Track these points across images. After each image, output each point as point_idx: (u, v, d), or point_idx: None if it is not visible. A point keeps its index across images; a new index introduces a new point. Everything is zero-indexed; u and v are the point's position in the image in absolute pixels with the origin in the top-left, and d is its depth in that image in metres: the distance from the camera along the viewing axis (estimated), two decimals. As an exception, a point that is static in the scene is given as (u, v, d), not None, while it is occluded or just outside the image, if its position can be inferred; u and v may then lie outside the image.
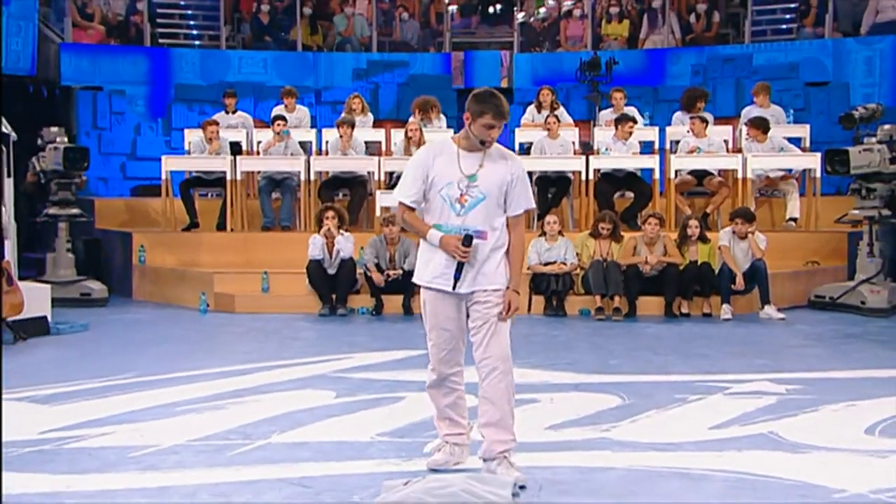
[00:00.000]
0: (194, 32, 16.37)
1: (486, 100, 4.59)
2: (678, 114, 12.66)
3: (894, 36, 14.30)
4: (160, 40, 15.75)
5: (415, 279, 4.85)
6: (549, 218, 10.37)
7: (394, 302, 10.07)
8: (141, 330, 9.32)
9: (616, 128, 11.73)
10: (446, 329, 4.76)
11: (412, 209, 4.69)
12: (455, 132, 13.26)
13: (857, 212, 10.21)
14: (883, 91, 14.19)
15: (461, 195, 4.60)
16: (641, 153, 11.79)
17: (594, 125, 12.90)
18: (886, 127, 10.12)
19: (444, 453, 4.84)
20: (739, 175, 11.37)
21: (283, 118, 12.07)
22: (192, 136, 12.34)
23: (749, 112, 12.34)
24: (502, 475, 4.48)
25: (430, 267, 4.71)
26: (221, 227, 11.75)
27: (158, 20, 15.92)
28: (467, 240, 4.54)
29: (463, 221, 4.60)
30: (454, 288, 4.63)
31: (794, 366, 7.33)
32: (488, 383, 4.64)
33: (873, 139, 10.04)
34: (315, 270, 10.04)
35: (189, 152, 12.26)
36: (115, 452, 5.11)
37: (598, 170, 11.51)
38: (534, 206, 4.80)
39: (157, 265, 11.44)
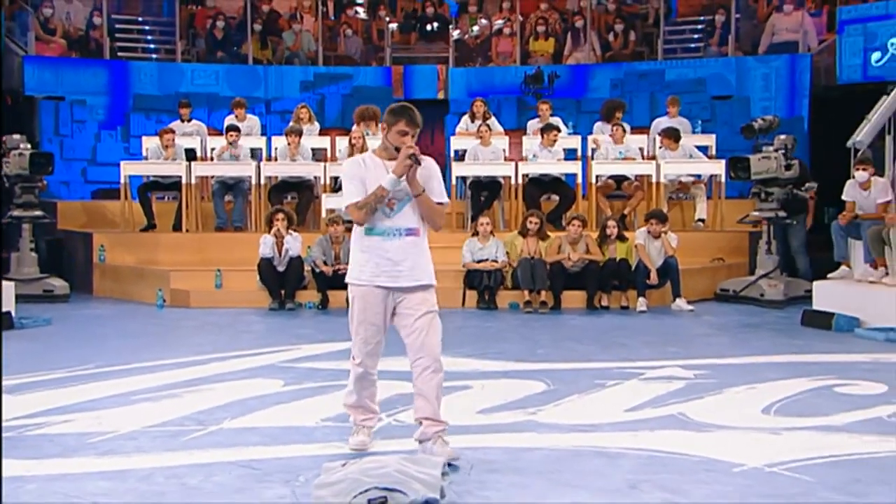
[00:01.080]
0: (151, 46, 16.11)
1: (399, 111, 4.65)
2: (598, 123, 12.78)
3: (788, 55, 14.58)
4: (119, 53, 15.47)
5: (348, 279, 4.82)
6: (482, 219, 10.41)
7: (338, 297, 9.95)
8: (101, 324, 9.17)
9: (542, 136, 11.81)
10: (374, 324, 4.77)
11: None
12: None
13: (756, 213, 10.38)
14: (779, 104, 14.44)
15: (389, 200, 4.62)
16: (565, 159, 11.88)
17: (524, 134, 12.96)
18: (782, 137, 10.31)
19: (363, 435, 4.86)
20: (654, 180, 11.53)
21: (236, 128, 11.95)
22: (150, 143, 12.17)
23: (659, 123, 12.51)
24: (437, 454, 4.50)
25: (367, 267, 4.69)
26: (177, 227, 11.60)
27: (117, 34, 15.63)
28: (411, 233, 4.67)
29: (393, 223, 4.65)
30: (419, 163, 4.53)
31: (702, 353, 7.46)
32: (423, 381, 4.71)
33: (771, 148, 10.21)
34: (265, 268, 9.97)
35: (146, 158, 12.08)
36: (75, 438, 5.03)
37: (527, 175, 11.58)
38: (447, 200, 4.87)
39: (116, 263, 11.25)
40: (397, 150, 4.61)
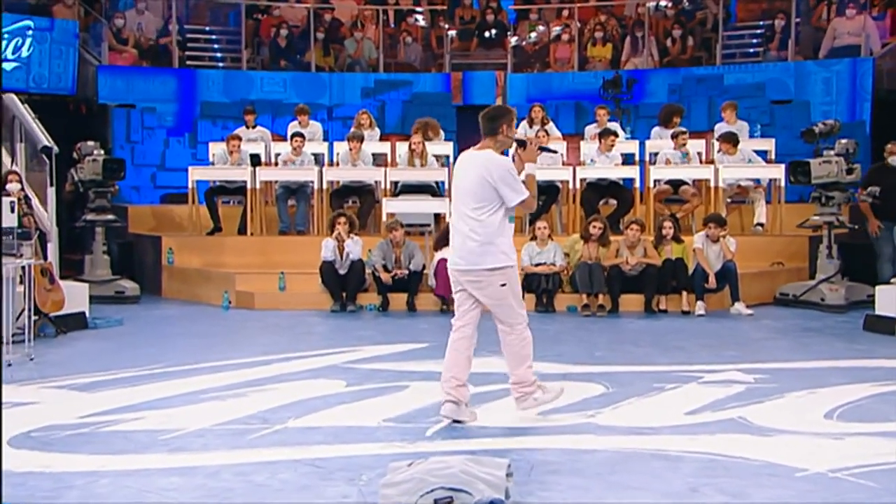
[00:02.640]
0: (218, 55, 16.35)
1: (498, 115, 5.51)
2: (657, 128, 12.65)
3: (850, 59, 14.26)
4: (187, 62, 15.74)
5: (503, 263, 5.29)
6: (540, 223, 10.35)
7: (399, 300, 10.07)
8: (169, 325, 9.32)
9: (600, 141, 11.72)
10: None
11: None
12: (454, 146, 13.40)
13: (817, 218, 10.17)
14: (840, 109, 14.14)
15: None
16: (623, 164, 11.78)
17: (581, 139, 12.89)
18: (843, 141, 10.10)
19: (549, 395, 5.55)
20: (712, 184, 11.37)
21: (301, 135, 12.08)
22: (216, 149, 12.34)
23: (720, 128, 12.33)
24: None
25: (511, 249, 5.35)
26: (242, 231, 11.75)
27: (186, 44, 15.91)
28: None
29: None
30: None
31: (761, 357, 7.32)
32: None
33: (832, 152, 10.01)
34: (327, 271, 10.04)
35: (213, 163, 12.26)
36: (147, 435, 5.11)
37: (584, 179, 11.50)
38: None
39: (184, 266, 11.43)
40: (518, 142, 5.58)
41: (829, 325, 8.93)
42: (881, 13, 14.63)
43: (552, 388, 5.57)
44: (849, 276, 10.30)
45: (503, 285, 5.29)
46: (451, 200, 5.81)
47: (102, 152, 10.90)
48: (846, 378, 6.47)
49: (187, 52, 15.83)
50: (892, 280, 9.29)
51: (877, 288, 9.12)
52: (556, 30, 16.68)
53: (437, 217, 11.31)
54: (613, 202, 11.65)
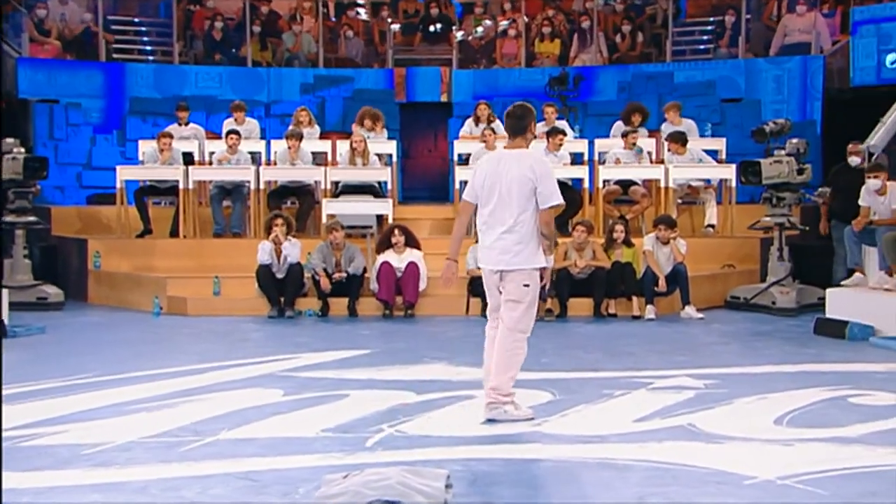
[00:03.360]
0: (148, 48, 16.14)
1: (525, 113, 5.71)
2: (618, 123, 12.71)
3: (801, 56, 14.55)
4: (115, 55, 15.51)
5: (538, 264, 5.58)
6: (485, 225, 10.39)
7: (339, 304, 10.04)
8: (95, 333, 9.17)
9: (548, 140, 11.79)
10: None
11: None
12: (398, 145, 13.38)
13: (768, 219, 10.36)
14: (791, 107, 14.42)
15: None
16: (571, 164, 11.87)
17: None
18: (794, 141, 10.26)
19: (521, 411, 5.64)
20: (662, 185, 11.51)
21: (236, 132, 11.97)
22: (146, 147, 12.18)
23: (666, 128, 12.51)
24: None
25: (541, 252, 5.62)
26: (174, 233, 11.61)
27: (113, 36, 15.67)
28: None
29: None
30: None
31: (712, 362, 7.44)
32: None
33: (782, 152, 10.19)
34: (264, 275, 9.98)
35: (143, 162, 12.09)
36: (69, 450, 5.02)
37: (531, 179, 11.53)
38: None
39: (111, 270, 11.26)
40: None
41: (780, 329, 9.09)
42: (831, 10, 14.96)
43: (525, 411, 5.65)
44: (800, 278, 10.52)
45: (526, 285, 5.56)
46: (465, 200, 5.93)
47: (23, 150, 10.66)
48: (796, 383, 6.59)
49: (115, 45, 15.59)
50: (843, 283, 9.52)
51: (828, 291, 9.33)
52: (502, 24, 16.78)
53: (380, 218, 11.30)
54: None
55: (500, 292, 5.65)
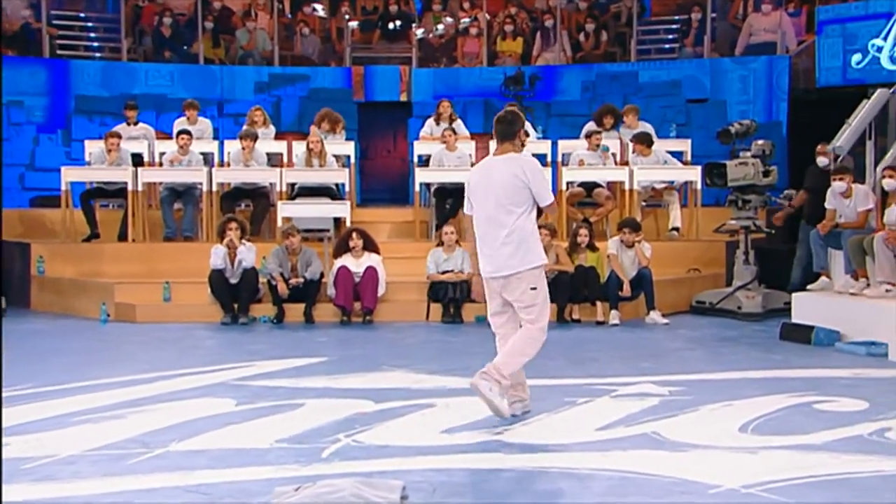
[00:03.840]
0: (95, 45, 15.98)
1: (515, 119, 5.96)
2: (590, 124, 12.76)
3: (766, 56, 14.76)
4: (59, 52, 15.33)
5: (540, 262, 5.84)
6: (447, 228, 10.43)
7: (295, 310, 10.00)
8: (39, 341, 9.05)
9: None
10: None
11: None
12: (356, 146, 13.35)
13: (733, 222, 10.46)
14: (757, 108, 14.62)
15: None
16: (534, 166, 11.89)
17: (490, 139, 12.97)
18: (760, 142, 10.39)
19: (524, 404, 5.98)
20: (627, 187, 11.60)
21: (188, 132, 11.89)
22: (93, 148, 12.06)
23: (623, 133, 12.60)
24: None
25: (542, 250, 5.93)
26: (123, 237, 11.50)
27: (58, 32, 15.49)
28: None
29: None
30: None
31: (676, 368, 7.51)
32: None
33: (748, 153, 10.31)
34: (217, 280, 9.92)
35: (90, 163, 11.97)
36: (9, 464, 4.93)
37: (493, 181, 11.56)
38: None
39: (56, 276, 11.13)
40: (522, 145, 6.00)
41: (746, 335, 9.20)
42: (797, 9, 15.20)
43: (504, 406, 5.76)
44: (766, 282, 10.64)
45: (533, 289, 5.81)
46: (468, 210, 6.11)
47: (-38, 150, 10.52)
48: (762, 389, 6.67)
49: (59, 41, 15.41)
50: (809, 287, 9.65)
51: (793, 295, 9.46)
52: (463, 22, 16.82)
53: (338, 222, 11.28)
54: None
55: (502, 297, 5.91)
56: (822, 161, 10.59)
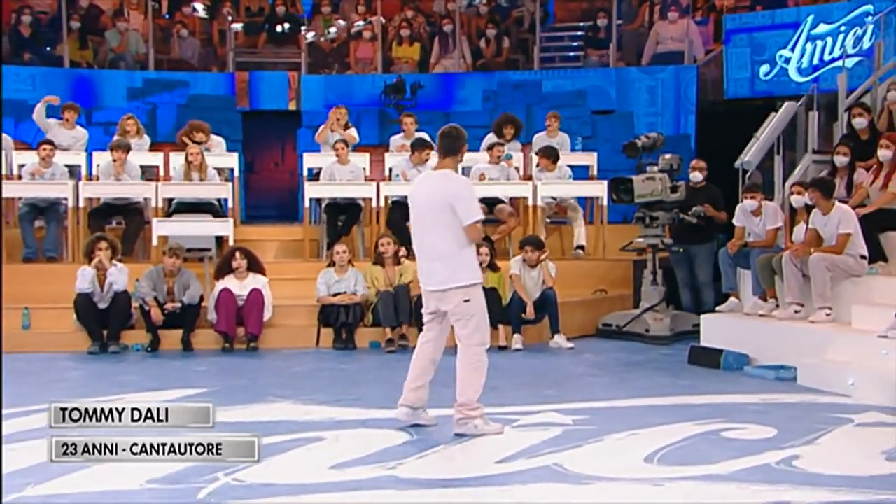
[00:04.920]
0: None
1: (461, 134, 6.37)
2: (490, 135, 12.90)
3: (674, 66, 15.15)
4: None
5: (472, 280, 6.27)
6: (339, 247, 10.38)
7: (171, 337, 9.85)
8: None
9: (413, 153, 11.65)
10: None
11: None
12: (240, 157, 13.22)
13: (640, 240, 10.66)
14: (665, 120, 14.98)
15: None
16: (432, 180, 11.91)
17: (387, 151, 13.01)
18: (667, 156, 10.63)
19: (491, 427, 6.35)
20: (530, 203, 11.73)
21: (50, 142, 11.58)
22: (-61, 159, 11.69)
23: (539, 140, 12.78)
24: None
25: (476, 267, 6.41)
26: (-25, 258, 11.15)
27: None
28: None
29: None
30: None
31: (581, 395, 7.62)
32: None
33: (655, 168, 10.52)
34: (84, 305, 9.71)
35: (-63, 177, 11.59)
36: None
37: (389, 197, 11.61)
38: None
39: None
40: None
41: (654, 359, 9.40)
42: (704, 17, 15.67)
43: (494, 426, 6.33)
44: (674, 303, 10.90)
45: (467, 301, 6.23)
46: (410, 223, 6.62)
47: None
48: (669, 417, 6.82)
49: None
50: (718, 308, 9.92)
51: (702, 317, 9.72)
52: (357, 26, 16.85)
53: (219, 240, 11.16)
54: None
55: (437, 307, 6.36)
56: (695, 176, 10.90)
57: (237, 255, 10.12)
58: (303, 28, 16.77)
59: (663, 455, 5.82)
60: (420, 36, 16.69)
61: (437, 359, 6.52)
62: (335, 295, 10.11)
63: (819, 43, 13.30)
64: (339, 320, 9.98)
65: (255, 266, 10.19)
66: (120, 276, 9.83)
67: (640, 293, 10.82)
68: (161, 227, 10.87)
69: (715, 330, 9.31)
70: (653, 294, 10.59)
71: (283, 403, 7.33)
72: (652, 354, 9.63)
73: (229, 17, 16.78)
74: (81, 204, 11.27)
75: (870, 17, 12.85)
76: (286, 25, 16.69)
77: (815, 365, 8.07)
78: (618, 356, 9.58)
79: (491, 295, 10.05)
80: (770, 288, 9.22)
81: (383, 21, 16.68)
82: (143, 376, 8.51)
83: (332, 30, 17.01)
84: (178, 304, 9.85)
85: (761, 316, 9.15)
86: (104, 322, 9.75)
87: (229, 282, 10.01)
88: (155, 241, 10.76)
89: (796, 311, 8.84)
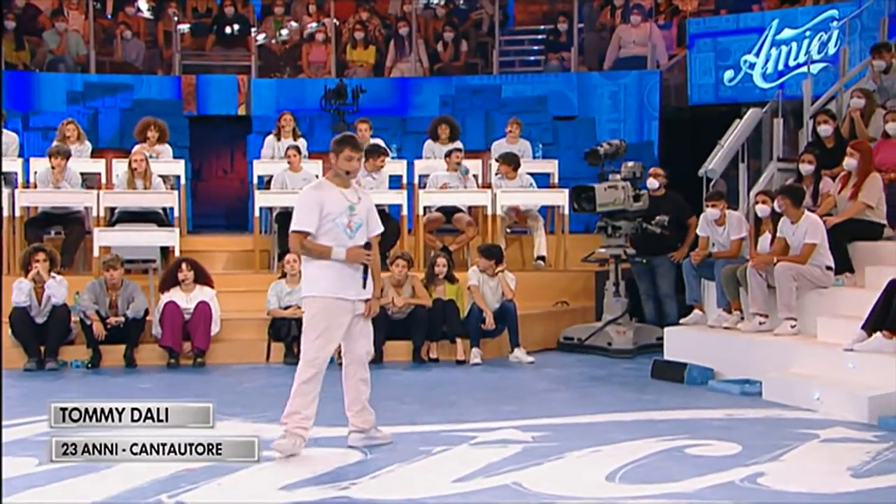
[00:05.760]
0: None
1: (343, 139, 6.33)
2: (428, 142, 12.94)
3: (637, 71, 15.25)
4: None
5: (313, 293, 6.29)
6: (290, 257, 10.31)
7: (114, 353, 9.76)
8: None
9: (367, 160, 11.64)
10: (336, 335, 6.32)
11: (306, 235, 6.26)
12: (186, 164, 13.14)
13: (603, 250, 10.68)
14: (628, 127, 15.07)
15: (348, 222, 6.27)
16: (389, 188, 11.94)
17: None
18: (630, 164, 10.62)
19: (289, 441, 6.19)
20: (489, 212, 11.76)
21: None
22: None
23: (498, 147, 12.82)
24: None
25: (338, 281, 6.24)
26: None
27: None
28: (367, 246, 6.31)
29: (354, 242, 6.29)
30: (364, 286, 6.29)
31: (542, 411, 7.65)
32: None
33: (618, 176, 10.53)
34: (20, 319, 9.60)
35: None
36: None
37: (344, 205, 11.55)
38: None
39: None
40: (347, 173, 6.30)
41: (616, 373, 9.45)
42: (667, 21, 15.82)
43: (288, 445, 6.23)
44: (637, 316, 10.97)
45: (304, 313, 6.40)
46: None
47: None
48: (631, 433, 6.87)
49: None
50: (682, 321, 10.00)
51: (665, 330, 9.79)
52: (309, 28, 16.83)
53: (165, 251, 11.08)
54: (377, 232, 11.80)
55: None
56: (651, 184, 10.99)
57: (183, 266, 10.06)
58: (253, 30, 16.72)
59: (625, 473, 5.87)
60: (375, 39, 16.70)
61: (366, 376, 6.58)
62: (287, 308, 10.07)
63: (784, 48, 13.48)
64: (290, 334, 9.93)
65: (202, 278, 10.14)
66: (59, 288, 9.73)
67: (603, 305, 10.85)
68: (103, 238, 10.78)
69: (679, 343, 9.39)
70: (615, 306, 10.63)
71: (232, 421, 7.28)
72: (615, 369, 9.69)
73: (175, 18, 16.70)
74: (18, 213, 11.16)
75: (835, 23, 13.05)
76: (235, 27, 16.64)
77: (781, 379, 8.15)
78: (580, 370, 9.63)
79: (448, 307, 10.12)
80: (735, 300, 9.30)
81: (336, 23, 16.66)
82: (83, 394, 8.41)
83: (284, 32, 16.97)
84: (122, 319, 9.77)
85: (726, 328, 9.24)
86: (41, 337, 9.64)
87: (175, 294, 9.95)
88: (96, 252, 10.66)
89: (761, 323, 8.94)
